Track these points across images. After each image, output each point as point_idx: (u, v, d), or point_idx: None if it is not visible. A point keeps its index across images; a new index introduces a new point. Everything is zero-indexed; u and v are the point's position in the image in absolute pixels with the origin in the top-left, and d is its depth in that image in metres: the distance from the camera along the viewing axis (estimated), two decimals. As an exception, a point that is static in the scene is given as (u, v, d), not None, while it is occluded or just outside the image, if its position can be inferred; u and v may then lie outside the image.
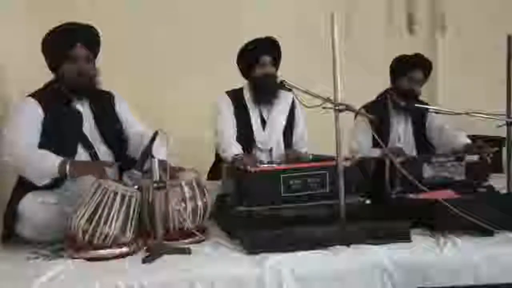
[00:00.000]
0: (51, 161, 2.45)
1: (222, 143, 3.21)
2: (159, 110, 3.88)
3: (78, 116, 2.71)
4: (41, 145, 2.57)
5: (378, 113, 3.10)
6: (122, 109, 2.90)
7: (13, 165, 2.55)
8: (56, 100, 2.68)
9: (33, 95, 2.68)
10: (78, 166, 2.48)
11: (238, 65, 3.39)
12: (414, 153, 3.49)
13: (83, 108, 2.75)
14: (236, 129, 3.29)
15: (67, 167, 2.44)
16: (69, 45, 2.66)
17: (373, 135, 3.34)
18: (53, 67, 2.73)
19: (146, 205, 2.42)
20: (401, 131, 3.54)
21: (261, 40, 3.29)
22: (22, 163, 2.49)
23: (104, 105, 2.83)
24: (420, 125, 3.54)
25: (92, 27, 2.74)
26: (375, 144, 3.34)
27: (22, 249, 2.39)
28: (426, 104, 3.45)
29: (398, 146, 3.40)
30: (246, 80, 3.39)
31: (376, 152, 3.24)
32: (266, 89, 3.28)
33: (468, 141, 3.26)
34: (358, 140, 3.44)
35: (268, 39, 3.30)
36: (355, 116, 3.45)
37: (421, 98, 3.54)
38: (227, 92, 3.38)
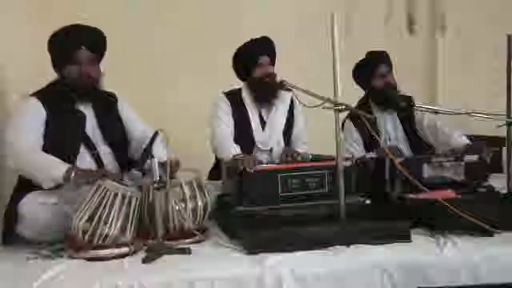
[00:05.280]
0: (57, 169, 2.42)
1: (219, 145, 3.19)
2: (159, 110, 3.87)
3: (81, 116, 2.70)
4: (44, 145, 2.56)
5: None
6: (125, 110, 2.90)
7: (16, 168, 2.55)
8: (59, 100, 2.67)
9: (35, 95, 2.68)
10: (81, 175, 2.42)
11: (234, 66, 3.37)
12: (407, 150, 3.46)
13: (86, 108, 2.74)
14: (233, 130, 3.28)
15: (72, 175, 2.40)
16: (74, 47, 2.65)
17: (364, 141, 3.36)
18: (57, 67, 2.72)
19: (146, 205, 2.42)
20: (391, 130, 3.49)
21: (259, 40, 3.28)
22: (26, 167, 2.48)
23: (106, 106, 2.83)
24: (408, 121, 3.48)
25: (98, 30, 2.74)
26: (368, 149, 3.34)
27: (22, 249, 2.38)
28: (409, 96, 3.41)
29: (392, 144, 3.37)
30: (244, 81, 3.38)
31: (372, 155, 3.23)
32: (268, 90, 3.27)
33: (466, 140, 3.26)
34: (350, 151, 3.31)
35: (265, 39, 3.30)
36: (343, 126, 3.43)
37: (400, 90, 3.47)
38: (225, 93, 3.37)
